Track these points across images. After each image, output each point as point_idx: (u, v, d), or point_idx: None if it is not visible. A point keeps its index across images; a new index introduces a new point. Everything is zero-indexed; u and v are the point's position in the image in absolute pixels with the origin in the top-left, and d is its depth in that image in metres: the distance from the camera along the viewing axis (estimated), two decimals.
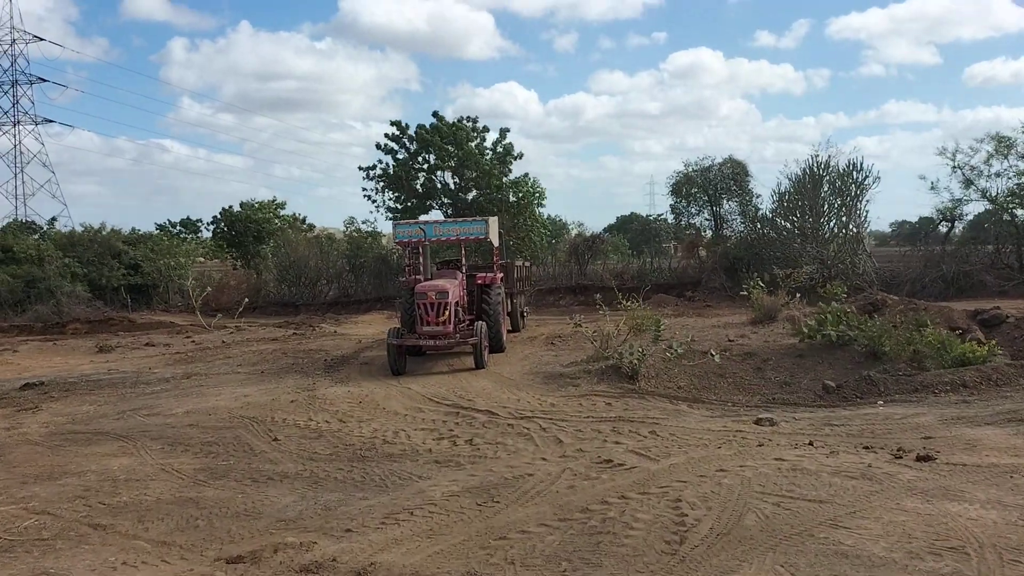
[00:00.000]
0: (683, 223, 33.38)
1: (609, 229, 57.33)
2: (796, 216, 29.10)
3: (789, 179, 29.11)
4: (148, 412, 11.70)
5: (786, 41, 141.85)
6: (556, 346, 16.55)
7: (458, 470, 7.82)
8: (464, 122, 34.31)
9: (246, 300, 29.37)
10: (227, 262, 46.81)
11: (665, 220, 68.28)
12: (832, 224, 28.78)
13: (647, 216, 74.27)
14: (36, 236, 46.07)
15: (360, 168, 35.67)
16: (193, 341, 21.50)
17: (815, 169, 28.46)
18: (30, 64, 66.12)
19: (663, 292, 30.25)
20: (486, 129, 34.50)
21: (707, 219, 33.01)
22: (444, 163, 34.00)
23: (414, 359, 15.32)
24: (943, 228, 31.22)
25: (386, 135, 34.81)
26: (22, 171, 66.66)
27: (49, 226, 56.66)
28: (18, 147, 67.17)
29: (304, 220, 57.83)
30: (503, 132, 34.79)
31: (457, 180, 34.68)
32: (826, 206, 28.69)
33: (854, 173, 28.26)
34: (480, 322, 14.19)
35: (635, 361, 12.43)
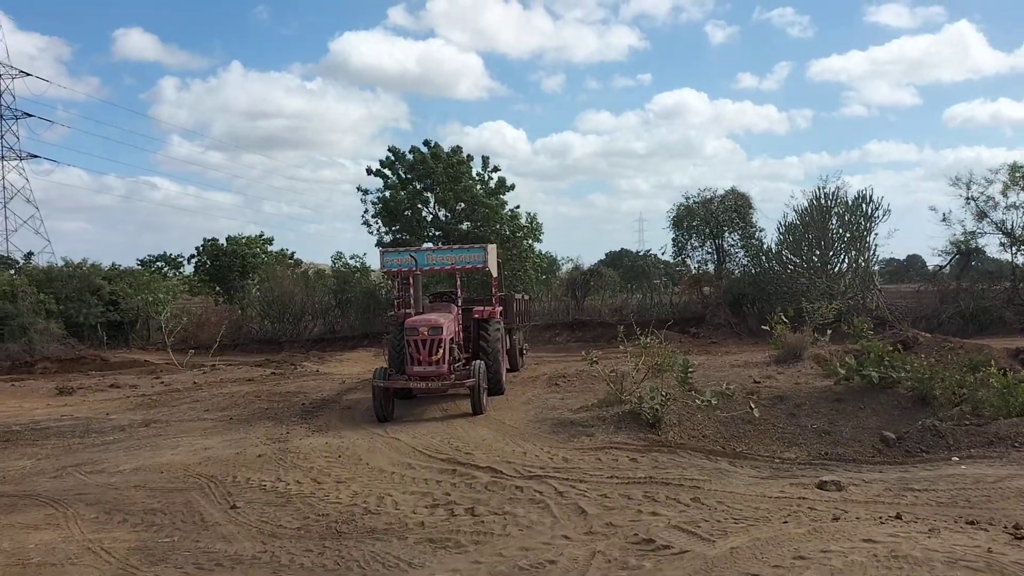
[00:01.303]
0: (682, 257, 31.97)
1: (599, 265, 55.95)
2: (804, 250, 27.72)
3: (796, 211, 27.79)
4: (91, 468, 9.98)
5: (768, 83, 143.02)
6: (561, 387, 14.93)
7: (458, 554, 6.15)
8: (456, 152, 33.05)
9: (221, 333, 27.50)
10: (209, 297, 45.16)
11: (656, 256, 67.27)
12: (842, 258, 27.39)
13: (637, 252, 73.50)
14: (12, 272, 44.28)
15: (358, 189, 34.29)
16: (162, 382, 19.73)
17: (823, 201, 27.18)
18: (16, 100, 64.79)
19: (666, 328, 28.77)
20: (470, 158, 33.24)
21: (708, 252, 31.64)
22: (437, 192, 32.60)
23: (403, 402, 13.66)
24: (940, 263, 30.19)
25: (380, 161, 33.51)
26: (5, 207, 65.13)
27: (26, 261, 54.96)
28: (2, 182, 65.76)
29: (292, 255, 56.36)
30: (485, 160, 33.49)
31: (447, 213, 33.32)
32: (835, 239, 27.36)
33: (863, 205, 26.99)
34: (478, 361, 12.57)
35: (657, 407, 10.83)
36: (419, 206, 33.42)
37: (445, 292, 15.05)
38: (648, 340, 12.29)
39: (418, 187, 33.41)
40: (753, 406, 10.53)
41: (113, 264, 42.75)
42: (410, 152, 33.19)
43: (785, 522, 6.48)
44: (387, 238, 33.46)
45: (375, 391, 12.05)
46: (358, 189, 34.32)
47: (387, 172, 33.41)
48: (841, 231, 27.07)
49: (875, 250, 27.45)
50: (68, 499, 8.48)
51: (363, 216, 34.04)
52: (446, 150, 32.98)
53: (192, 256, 53.78)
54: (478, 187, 32.93)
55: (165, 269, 58.85)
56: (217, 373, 20.82)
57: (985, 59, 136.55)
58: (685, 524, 6.47)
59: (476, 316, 14.18)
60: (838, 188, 27.05)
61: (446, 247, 13.78)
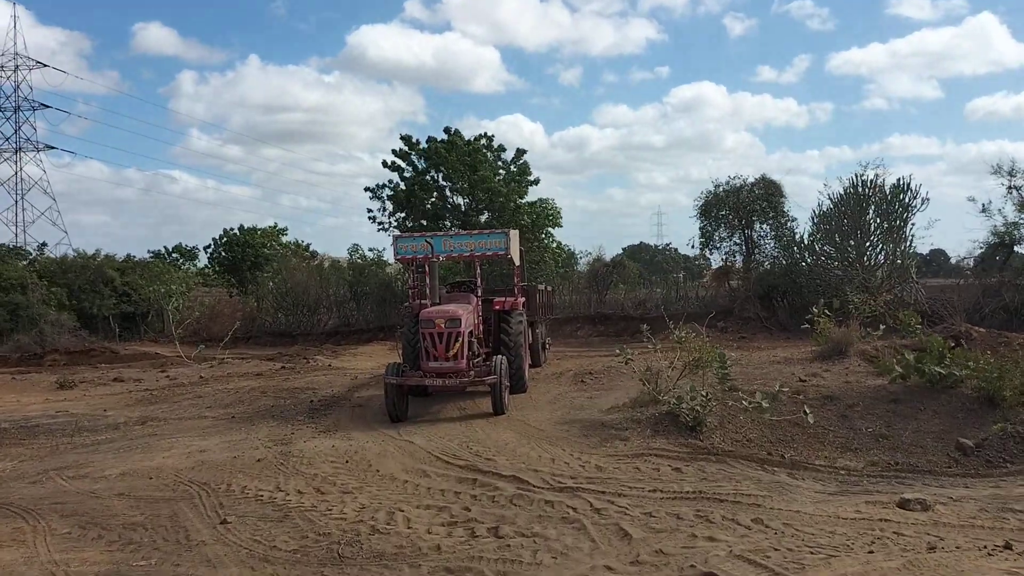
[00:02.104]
0: (710, 248, 30.67)
1: (621, 257, 54.82)
2: (838, 240, 26.40)
3: (831, 199, 26.47)
4: (75, 473, 9.06)
5: (787, 76, 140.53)
6: (588, 385, 13.86)
7: None
8: (480, 140, 31.98)
9: (235, 327, 26.70)
10: (220, 289, 44.44)
11: (675, 250, 65.95)
12: (878, 250, 26.05)
13: (656, 246, 72.16)
14: (25, 263, 43.82)
15: (366, 189, 33.35)
16: (168, 376, 18.88)
17: (860, 189, 25.86)
18: (33, 91, 64.47)
19: (692, 322, 27.62)
20: (502, 148, 32.18)
21: (737, 243, 30.36)
22: (456, 183, 31.61)
23: (418, 401, 12.66)
24: (972, 256, 28.88)
25: (394, 151, 32.50)
26: (22, 198, 64.93)
27: (39, 252, 54.56)
28: (19, 174, 65.54)
29: (307, 247, 55.62)
30: (519, 152, 32.46)
31: (468, 201, 32.29)
32: (872, 230, 26.04)
33: (901, 194, 25.65)
34: (499, 356, 11.53)
35: (698, 408, 9.77)
36: (435, 196, 32.43)
37: (464, 281, 14.03)
38: (684, 334, 11.21)
39: (435, 176, 32.44)
40: (808, 411, 9.42)
41: (128, 256, 42.19)
42: (427, 142, 32.19)
43: (871, 551, 5.41)
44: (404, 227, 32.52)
45: (387, 389, 11.06)
46: (366, 189, 33.42)
47: (401, 163, 32.44)
48: (878, 221, 25.78)
49: (911, 241, 26.09)
50: (42, 509, 7.55)
51: (369, 212, 33.04)
52: (467, 137, 31.98)
53: (207, 247, 53.24)
54: (498, 176, 31.87)
55: (180, 261, 58.37)
56: (225, 367, 19.94)
57: (1008, 51, 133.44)
58: (750, 553, 5.42)
59: (497, 308, 13.14)
60: (876, 176, 25.75)
61: (465, 232, 12.75)
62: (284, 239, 54.79)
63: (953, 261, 35.49)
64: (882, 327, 14.51)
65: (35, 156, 65.76)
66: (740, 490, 7.05)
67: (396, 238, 12.97)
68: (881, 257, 25.67)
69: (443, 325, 11.04)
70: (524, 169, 32.17)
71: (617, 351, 11.08)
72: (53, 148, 66.97)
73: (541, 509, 6.80)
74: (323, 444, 9.71)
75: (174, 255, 60.70)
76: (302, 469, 8.62)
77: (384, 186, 32.73)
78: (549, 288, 19.46)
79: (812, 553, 5.38)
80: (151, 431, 11.52)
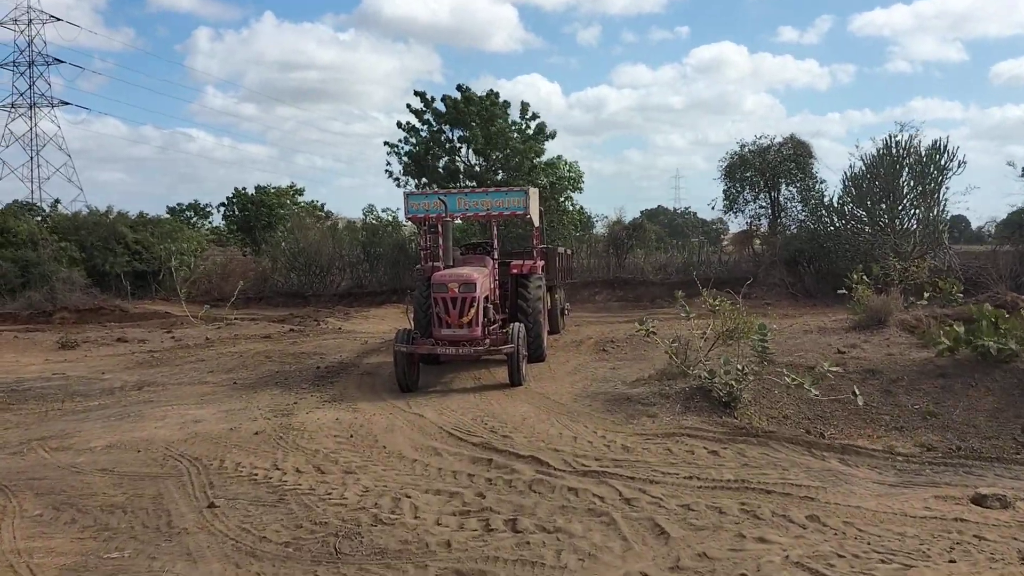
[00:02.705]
0: (734, 211, 29.58)
1: (642, 219, 53.75)
2: (869, 204, 25.27)
3: (863, 161, 25.30)
4: (59, 444, 8.42)
5: (809, 37, 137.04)
6: (610, 354, 13.10)
7: None
8: (489, 98, 30.89)
9: (240, 287, 26.11)
10: (235, 248, 43.86)
11: (694, 214, 64.71)
12: (911, 214, 24.91)
13: (674, 209, 70.82)
14: (38, 219, 43.37)
15: (386, 143, 32.39)
16: (173, 337, 18.30)
17: (894, 151, 24.67)
18: (47, 46, 63.65)
19: (716, 288, 26.73)
20: (507, 104, 31.10)
21: (763, 206, 29.27)
22: (471, 141, 30.61)
23: (431, 369, 11.96)
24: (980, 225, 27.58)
25: (408, 106, 31.48)
26: (37, 154, 64.48)
27: (52, 208, 54.13)
28: (34, 130, 65.00)
29: (322, 207, 54.83)
30: (524, 107, 31.34)
31: (483, 161, 31.32)
32: (906, 193, 24.89)
33: (936, 156, 24.44)
34: (516, 324, 10.75)
35: (733, 383, 8.97)
36: (451, 155, 31.50)
37: (479, 243, 13.20)
38: (718, 301, 10.37)
39: (450, 135, 31.49)
40: (857, 392, 8.58)
41: (140, 212, 41.62)
42: (441, 100, 31.16)
43: (952, 560, 4.63)
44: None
45: (397, 357, 10.32)
46: (385, 143, 32.44)
47: (415, 122, 31.47)
48: (912, 183, 24.62)
49: (945, 205, 24.92)
50: (17, 486, 6.90)
51: (387, 169, 32.15)
52: (480, 95, 30.89)
53: (221, 205, 52.60)
54: (515, 134, 30.86)
55: (194, 219, 57.84)
56: (232, 328, 19.33)
57: None
58: (810, 560, 4.66)
59: (514, 271, 12.34)
60: (911, 137, 24.53)
61: (481, 190, 11.87)
62: (300, 199, 54.15)
63: (975, 227, 34.18)
64: (927, 295, 13.60)
65: (50, 112, 65.23)
66: (788, 479, 6.27)
67: (408, 195, 12.13)
68: (914, 222, 24.62)
69: (456, 290, 10.26)
70: (540, 127, 31.12)
71: (638, 322, 10.23)
72: (68, 104, 66.40)
73: (564, 498, 6.05)
74: (327, 416, 9.01)
75: (187, 213, 60.23)
76: (303, 444, 7.92)
77: (403, 141, 31.82)
78: (569, 251, 18.60)
79: (883, 562, 4.61)
80: (147, 397, 10.88)
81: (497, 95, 30.92)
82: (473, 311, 10.27)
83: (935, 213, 24.40)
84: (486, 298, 10.97)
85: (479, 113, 30.00)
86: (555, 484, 6.38)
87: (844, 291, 14.74)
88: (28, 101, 64.47)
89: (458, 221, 13.13)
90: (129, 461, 7.59)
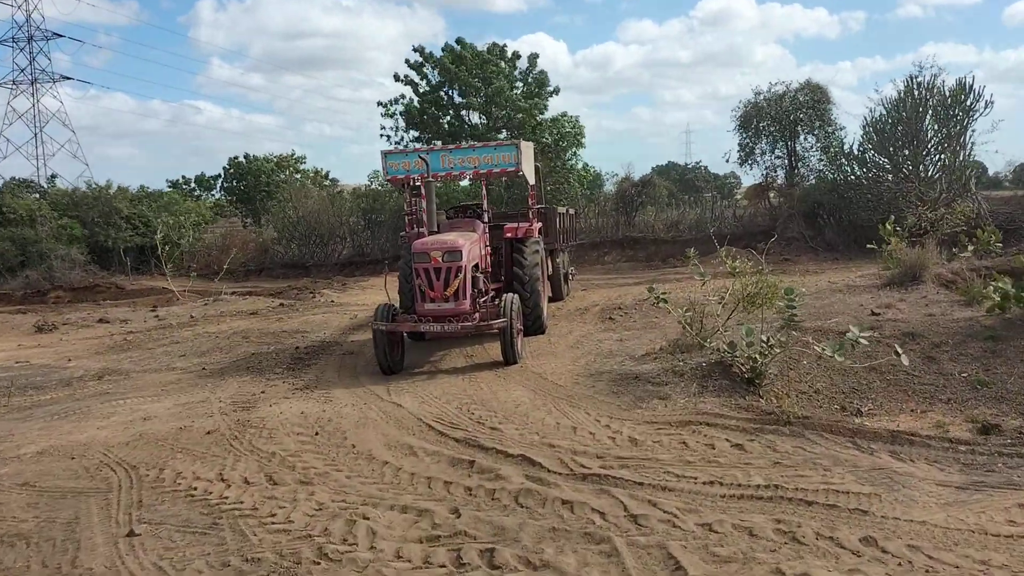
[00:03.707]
0: (750, 163, 28.04)
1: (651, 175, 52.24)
2: (891, 151, 23.75)
3: (883, 105, 23.75)
4: None
5: None
6: (617, 323, 11.92)
7: None
8: (492, 51, 29.35)
9: (229, 260, 25.17)
10: (232, 220, 42.85)
11: (706, 169, 62.92)
12: (936, 160, 23.39)
13: (685, 165, 68.99)
14: (37, 195, 42.41)
15: (379, 103, 31.03)
16: (157, 316, 17.27)
17: (917, 93, 23.08)
18: (45, 20, 62.15)
19: (730, 244, 25.43)
20: (516, 56, 29.53)
21: (779, 157, 27.75)
22: (470, 99, 29.17)
23: (419, 346, 10.86)
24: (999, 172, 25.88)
25: (407, 61, 30.01)
26: (41, 131, 63.45)
27: (50, 184, 53.14)
28: (36, 106, 63.85)
29: (327, 175, 53.57)
30: (532, 59, 29.79)
31: (484, 119, 29.91)
32: (930, 137, 23.35)
33: (962, 97, 22.84)
34: (510, 295, 9.56)
35: (757, 357, 7.79)
36: (450, 113, 30.09)
37: (469, 205, 11.98)
38: (738, 262, 9.14)
39: (450, 93, 30.05)
40: (900, 351, 7.36)
41: (141, 186, 40.58)
42: (442, 50, 29.65)
43: None
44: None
45: (376, 336, 9.19)
46: (378, 104, 31.05)
47: (414, 76, 30.03)
48: (937, 127, 23.07)
49: (971, 149, 23.36)
50: None
51: (382, 130, 30.83)
52: (479, 47, 29.38)
53: (217, 176, 51.47)
54: (516, 90, 29.39)
55: (197, 192, 56.77)
56: (220, 304, 18.27)
57: None
58: None
59: (509, 235, 11.13)
60: (935, 77, 22.92)
61: (467, 145, 10.63)
62: (303, 167, 52.89)
63: (991, 174, 32.48)
64: (970, 247, 12.30)
65: (52, 88, 64.07)
66: (832, 484, 5.11)
67: (386, 154, 10.84)
68: (939, 168, 23.13)
69: (440, 258, 9.07)
70: (542, 81, 29.61)
71: (647, 288, 9.02)
72: (70, 79, 65.20)
73: (556, 515, 4.93)
74: (293, 408, 7.91)
75: (190, 185, 59.12)
76: (259, 446, 6.83)
77: (396, 101, 30.41)
78: (572, 211, 17.33)
79: None
80: (104, 388, 9.84)
81: (503, 48, 29.40)
82: (459, 282, 9.09)
83: (961, 157, 22.92)
84: (475, 267, 9.78)
85: (474, 72, 28.50)
86: (547, 495, 5.25)
87: (873, 245, 13.48)
88: (29, 77, 63.37)
89: (438, 185, 11.85)
90: (58, 472, 6.53)
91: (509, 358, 9.26)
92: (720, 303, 9.08)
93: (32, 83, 63.49)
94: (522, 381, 8.55)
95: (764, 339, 7.87)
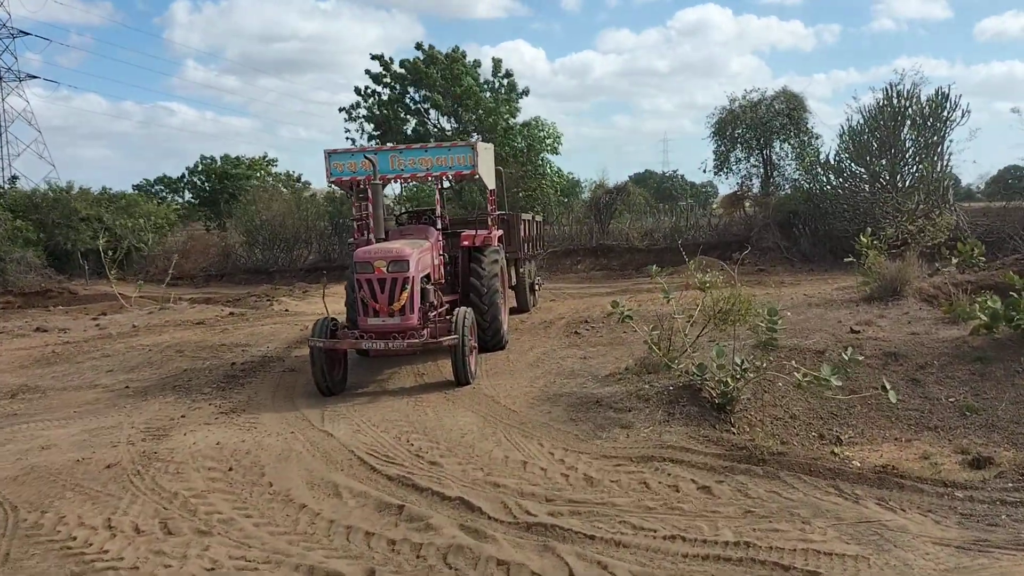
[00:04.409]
0: (725, 172, 27.48)
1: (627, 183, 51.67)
2: (869, 160, 23.32)
3: (861, 113, 23.33)
4: None
5: None
6: (582, 338, 11.16)
7: None
8: (456, 53, 28.57)
9: (172, 265, 24.20)
10: (194, 224, 41.66)
11: (683, 177, 62.59)
12: (914, 170, 22.96)
13: (663, 173, 68.75)
14: None
15: (340, 109, 30.12)
16: (98, 325, 16.24)
17: (896, 102, 22.67)
18: (11, 18, 60.45)
19: (705, 254, 24.83)
20: (477, 64, 28.77)
21: (755, 165, 27.23)
22: (437, 100, 28.34)
23: (367, 363, 10.02)
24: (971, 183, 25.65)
25: (367, 71, 29.13)
26: (6, 130, 61.68)
27: (10, 186, 51.56)
28: (1, 105, 62.12)
29: (299, 178, 52.46)
30: (497, 63, 29.07)
31: (454, 123, 29.11)
32: (908, 147, 22.93)
33: (939, 107, 22.47)
34: (462, 309, 8.73)
35: (728, 381, 7.05)
36: (419, 117, 29.27)
37: (422, 211, 11.16)
38: (709, 277, 8.40)
39: (415, 97, 29.24)
40: (888, 387, 6.64)
41: (104, 188, 39.30)
42: (400, 64, 28.77)
43: None
44: None
45: (313, 354, 8.32)
46: (340, 110, 30.15)
47: (375, 87, 29.15)
48: (914, 136, 22.65)
49: (949, 159, 22.96)
50: None
51: (347, 134, 29.96)
52: (443, 52, 28.56)
53: (181, 178, 50.19)
54: (486, 93, 28.64)
55: (165, 193, 55.39)
56: (166, 313, 17.27)
57: None
58: None
59: (466, 243, 10.32)
60: (915, 86, 22.51)
61: (419, 146, 9.85)
62: (275, 170, 51.72)
63: (964, 185, 32.42)
64: (954, 260, 11.69)
65: (18, 86, 62.41)
66: (811, 541, 4.34)
67: (329, 154, 9.97)
68: (917, 178, 22.69)
69: (385, 269, 8.23)
70: (511, 84, 28.92)
71: (611, 304, 8.25)
72: (36, 77, 63.54)
73: None
74: (211, 437, 7.03)
75: (158, 187, 57.69)
76: (163, 483, 5.96)
77: (358, 105, 29.53)
78: (539, 218, 16.55)
79: None
80: (14, 409, 8.87)
81: (463, 53, 28.67)
82: (406, 295, 8.26)
83: (939, 168, 22.50)
84: (426, 278, 8.96)
85: (442, 74, 27.72)
86: (480, 553, 4.45)
87: (851, 258, 12.85)
88: None
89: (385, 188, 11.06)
90: None
91: (461, 378, 8.44)
92: (689, 321, 8.32)
93: None
94: (472, 405, 7.74)
95: (738, 362, 7.13)
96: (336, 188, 11.46)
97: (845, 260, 12.83)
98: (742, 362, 7.13)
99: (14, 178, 54.41)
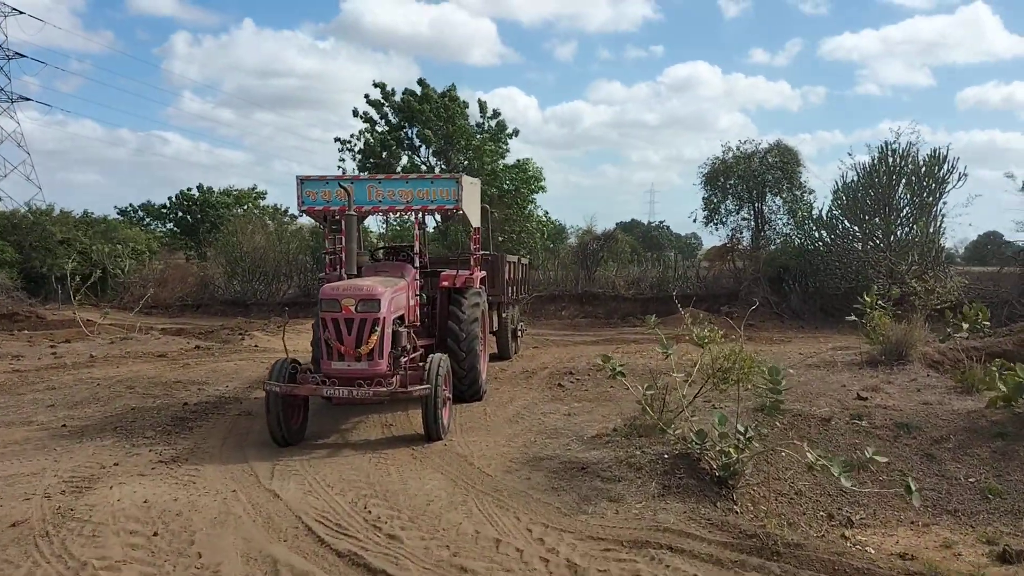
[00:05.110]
0: (715, 223, 26.95)
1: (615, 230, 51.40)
2: (864, 217, 22.94)
3: (856, 171, 23.02)
4: None
5: (780, 59, 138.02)
6: (567, 391, 10.38)
7: None
8: (450, 93, 28.18)
9: (147, 296, 23.33)
10: (170, 253, 40.69)
11: (668, 228, 62.36)
12: (909, 230, 22.56)
13: (649, 223, 68.65)
14: None
15: (336, 139, 29.54)
16: (55, 353, 15.27)
17: (891, 160, 22.39)
18: (8, 39, 59.94)
19: (693, 307, 24.19)
20: (465, 104, 28.41)
21: (745, 218, 26.77)
22: (430, 139, 27.85)
23: (332, 410, 9.17)
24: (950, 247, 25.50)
25: (366, 97, 28.63)
26: None
27: None
28: None
29: (287, 211, 51.81)
30: (482, 104, 28.76)
31: (443, 164, 28.59)
32: (902, 206, 22.59)
33: (936, 167, 22.21)
34: (436, 356, 7.91)
35: (731, 452, 6.28)
36: (409, 153, 28.74)
37: (398, 247, 10.41)
38: (707, 332, 7.67)
39: (409, 133, 28.76)
40: (914, 488, 5.82)
41: (85, 212, 38.48)
42: (403, 94, 28.36)
43: None
44: None
45: (269, 400, 7.47)
46: (336, 139, 29.59)
47: (374, 114, 28.69)
48: (909, 196, 22.30)
49: (942, 220, 22.59)
50: None
51: (340, 165, 29.39)
52: (439, 91, 28.15)
53: (163, 206, 49.41)
54: (477, 135, 28.21)
55: (147, 220, 54.48)
56: (128, 344, 16.32)
57: (1000, 41, 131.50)
58: None
59: (445, 284, 9.56)
60: (911, 144, 22.25)
61: (399, 176, 9.08)
62: (262, 203, 51.10)
63: (949, 248, 32.31)
64: (966, 326, 11.05)
65: (8, 107, 61.82)
66: None
67: (302, 180, 9.21)
68: (910, 236, 22.27)
69: (353, 308, 7.44)
70: (500, 125, 28.52)
71: (601, 358, 7.48)
72: (28, 99, 63.04)
73: None
74: (139, 493, 6.14)
75: (140, 214, 56.76)
76: (74, 548, 5.08)
77: (356, 137, 29.00)
78: (525, 260, 15.87)
79: None
80: None
81: (455, 92, 28.27)
82: (375, 337, 7.45)
83: (932, 229, 22.12)
84: (399, 319, 8.17)
85: (436, 112, 27.28)
86: None
87: (853, 317, 12.20)
88: None
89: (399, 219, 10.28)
90: None
91: (432, 433, 7.61)
92: (687, 380, 7.56)
93: None
94: (442, 465, 6.90)
95: (741, 429, 6.37)
96: (310, 219, 10.72)
97: (847, 319, 12.16)
98: (746, 430, 6.36)
99: None
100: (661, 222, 71.83)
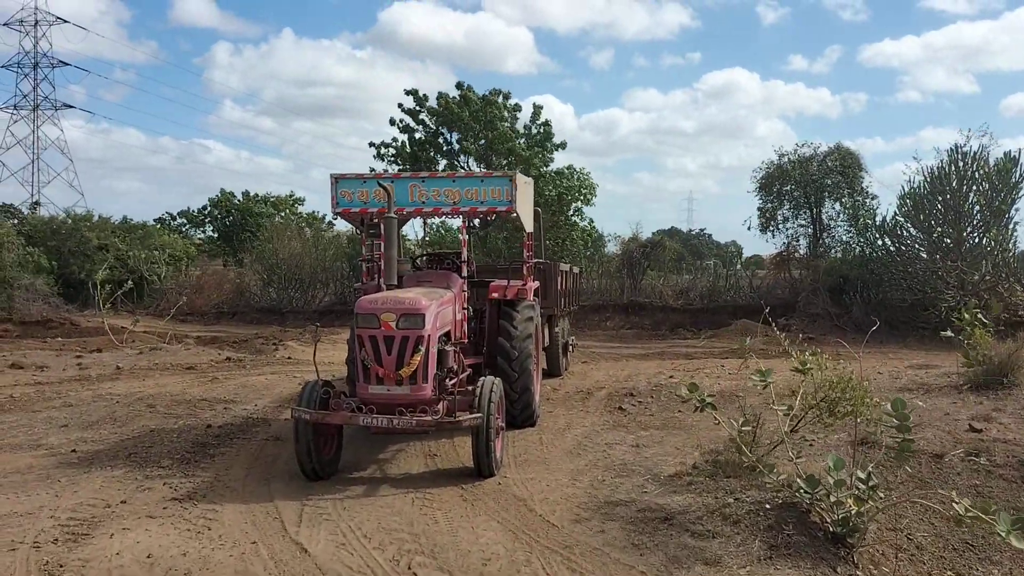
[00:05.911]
0: (770, 231, 25.60)
1: (662, 236, 50.09)
2: (930, 225, 21.43)
3: (923, 175, 21.52)
4: None
5: (819, 66, 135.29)
6: (628, 415, 9.28)
7: None
8: (494, 95, 27.24)
9: (180, 303, 22.74)
10: (208, 259, 40.43)
11: (709, 236, 60.64)
12: (981, 237, 21.01)
13: (689, 231, 67.13)
14: (15, 221, 40.14)
15: (371, 144, 28.76)
16: (79, 364, 14.59)
17: (961, 164, 20.88)
18: (52, 48, 61.10)
19: (745, 317, 22.90)
20: (517, 108, 27.44)
21: (803, 224, 25.37)
22: (470, 144, 26.98)
23: (365, 440, 8.18)
24: None
25: (400, 105, 27.85)
26: (38, 158, 61.95)
27: (31, 211, 50.92)
28: (36, 132, 62.45)
29: (323, 218, 51.46)
30: (537, 110, 27.74)
31: (484, 167, 27.70)
32: (973, 213, 21.04)
33: (1009, 172, 20.68)
34: (488, 379, 6.88)
35: (850, 504, 5.15)
36: (450, 159, 27.88)
37: (445, 254, 9.44)
38: (810, 354, 6.54)
39: (447, 138, 27.93)
40: None
41: (124, 218, 38.40)
42: (437, 98, 27.49)
43: None
44: None
45: (298, 429, 6.51)
46: (371, 145, 28.80)
47: (410, 121, 27.87)
48: (982, 202, 20.76)
49: (1014, 228, 21.02)
50: None
51: (372, 168, 28.60)
52: (482, 94, 27.26)
53: (202, 210, 49.30)
54: (520, 140, 27.24)
55: (187, 227, 54.56)
56: (157, 355, 15.58)
57: None
58: None
59: (495, 295, 8.54)
60: (983, 147, 20.74)
61: (445, 175, 8.17)
62: (300, 209, 50.87)
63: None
64: None
65: (53, 115, 62.80)
66: None
67: (337, 179, 8.23)
68: (984, 247, 20.72)
69: (394, 324, 6.46)
70: (547, 133, 27.50)
71: (687, 388, 6.30)
72: (71, 107, 64.00)
73: None
74: (143, 544, 5.20)
75: (179, 220, 56.89)
76: None
77: (389, 144, 28.22)
78: (576, 269, 14.80)
79: None
80: None
81: (508, 95, 27.32)
82: (419, 358, 6.46)
83: (1004, 237, 20.58)
84: (445, 336, 7.17)
85: (476, 115, 26.37)
86: None
87: (949, 333, 10.90)
88: (31, 103, 62.21)
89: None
90: None
91: (484, 469, 6.59)
92: (786, 413, 6.43)
93: (33, 109, 62.30)
94: (498, 511, 5.86)
95: (862, 476, 5.24)
96: (346, 223, 9.80)
97: (942, 335, 10.89)
98: (868, 477, 5.23)
99: (36, 204, 53.90)
100: (702, 230, 70.32)
